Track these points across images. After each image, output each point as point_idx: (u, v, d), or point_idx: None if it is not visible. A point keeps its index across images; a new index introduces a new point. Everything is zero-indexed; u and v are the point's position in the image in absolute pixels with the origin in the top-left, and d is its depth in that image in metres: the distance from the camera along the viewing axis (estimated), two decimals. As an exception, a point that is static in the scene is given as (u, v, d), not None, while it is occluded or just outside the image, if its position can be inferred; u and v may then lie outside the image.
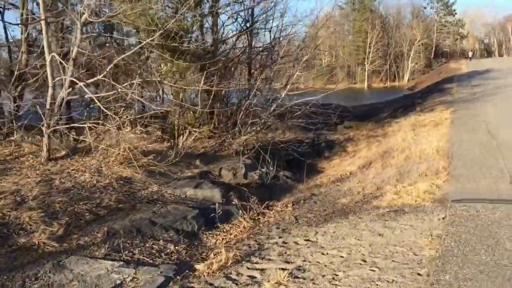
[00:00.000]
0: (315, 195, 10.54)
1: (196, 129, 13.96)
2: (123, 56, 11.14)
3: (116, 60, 10.56)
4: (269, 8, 22.89)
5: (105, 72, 10.29)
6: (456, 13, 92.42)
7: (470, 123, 15.46)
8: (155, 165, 10.29)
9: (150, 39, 10.14)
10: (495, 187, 8.33)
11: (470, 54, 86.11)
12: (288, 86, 21.32)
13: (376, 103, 42.16)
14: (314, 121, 21.02)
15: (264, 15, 23.61)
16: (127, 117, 11.12)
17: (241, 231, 8.05)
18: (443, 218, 6.77)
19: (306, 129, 23.21)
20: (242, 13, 21.00)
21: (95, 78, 10.36)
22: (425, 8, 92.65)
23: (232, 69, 19.85)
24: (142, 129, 12.71)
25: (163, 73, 12.26)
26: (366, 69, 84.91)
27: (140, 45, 11.60)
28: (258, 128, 17.27)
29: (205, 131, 14.42)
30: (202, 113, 15.08)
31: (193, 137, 13.76)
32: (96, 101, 10.12)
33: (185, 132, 14.06)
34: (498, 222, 6.30)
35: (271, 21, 23.82)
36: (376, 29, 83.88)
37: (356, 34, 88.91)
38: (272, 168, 11.68)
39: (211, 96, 14.98)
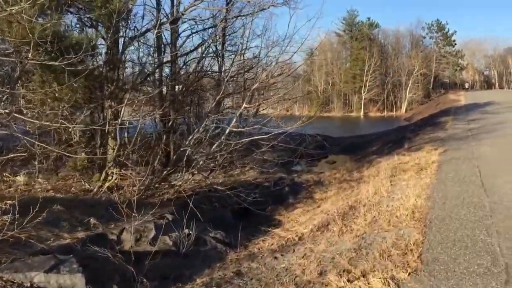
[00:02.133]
0: (240, 274, 7.68)
1: (116, 170, 11.20)
2: None
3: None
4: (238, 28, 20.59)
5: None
6: (455, 44, 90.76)
7: (460, 169, 12.71)
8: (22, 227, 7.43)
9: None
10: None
11: (467, 85, 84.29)
12: (252, 112, 18.85)
13: (368, 135, 39.51)
14: (284, 158, 18.41)
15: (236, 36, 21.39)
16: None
17: None
18: None
19: (283, 164, 20.56)
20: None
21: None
22: (424, 38, 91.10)
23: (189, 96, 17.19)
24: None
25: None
26: (363, 98, 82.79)
27: None
28: (204, 167, 14.55)
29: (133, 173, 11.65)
30: (135, 150, 12.37)
31: (114, 178, 10.99)
32: None
33: (108, 171, 11.29)
34: None
35: (244, 43, 21.50)
36: (374, 57, 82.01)
37: (353, 61, 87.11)
38: (190, 230, 8.86)
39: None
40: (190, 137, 12.26)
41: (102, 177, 10.78)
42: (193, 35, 17.67)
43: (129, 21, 13.37)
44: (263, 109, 21.77)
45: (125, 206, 10.42)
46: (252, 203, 13.13)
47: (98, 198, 10.62)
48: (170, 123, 16.22)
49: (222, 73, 21.31)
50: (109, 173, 11.19)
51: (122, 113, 13.30)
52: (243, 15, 19.46)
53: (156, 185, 11.88)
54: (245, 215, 12.52)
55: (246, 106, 20.66)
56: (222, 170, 17.44)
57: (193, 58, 18.46)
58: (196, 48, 17.89)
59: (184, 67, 18.18)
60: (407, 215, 8.82)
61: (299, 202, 13.98)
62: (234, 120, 12.93)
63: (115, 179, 10.94)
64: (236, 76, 22.09)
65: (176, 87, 16.75)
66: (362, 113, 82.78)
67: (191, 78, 18.25)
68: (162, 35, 16.71)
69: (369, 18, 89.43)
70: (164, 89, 16.76)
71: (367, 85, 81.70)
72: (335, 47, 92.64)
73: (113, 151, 13.84)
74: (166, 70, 17.57)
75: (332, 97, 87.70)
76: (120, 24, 12.98)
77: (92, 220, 8.67)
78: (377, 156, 21.68)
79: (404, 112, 79.98)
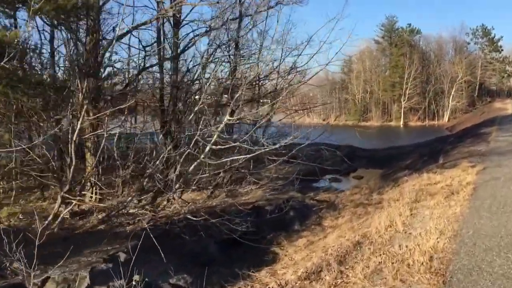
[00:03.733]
0: None
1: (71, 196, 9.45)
2: None
3: None
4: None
5: None
6: (502, 50, 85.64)
7: (500, 194, 10.33)
8: None
9: None
10: None
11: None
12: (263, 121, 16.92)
13: (404, 146, 36.64)
14: (299, 174, 16.35)
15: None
16: None
17: None
18: None
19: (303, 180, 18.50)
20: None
21: None
22: (468, 43, 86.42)
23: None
24: None
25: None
26: (403, 106, 79.13)
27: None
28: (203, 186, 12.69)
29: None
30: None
31: (73, 205, 9.24)
32: None
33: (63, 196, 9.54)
34: None
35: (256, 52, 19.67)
36: (415, 64, 78.35)
37: (392, 69, 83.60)
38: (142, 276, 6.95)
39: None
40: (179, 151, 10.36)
41: (58, 202, 9.08)
42: (198, 37, 15.81)
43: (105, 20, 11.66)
44: (283, 118, 19.86)
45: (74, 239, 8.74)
46: (247, 231, 11.19)
47: (50, 229, 8.90)
48: (171, 135, 14.47)
49: (233, 80, 19.56)
50: (73, 196, 9.45)
51: (106, 124, 11.69)
52: (259, 11, 17.70)
53: (131, 210, 10.05)
54: (237, 245, 10.53)
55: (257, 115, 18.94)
56: (227, 189, 15.56)
57: (197, 65, 16.70)
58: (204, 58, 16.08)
59: (188, 73, 16.46)
60: (422, 263, 6.62)
61: (306, 229, 11.91)
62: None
63: (73, 205, 9.19)
64: (251, 83, 20.29)
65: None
66: (401, 122, 79.06)
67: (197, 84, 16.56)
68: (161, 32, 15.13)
69: (409, 24, 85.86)
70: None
71: (407, 93, 77.99)
72: (374, 54, 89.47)
73: (91, 169, 12.21)
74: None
75: (370, 105, 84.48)
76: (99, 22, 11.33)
77: (15, 264, 6.90)
78: (408, 171, 19.27)
79: (446, 121, 75.79)
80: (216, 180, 15.44)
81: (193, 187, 12.25)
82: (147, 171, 10.00)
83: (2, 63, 6.59)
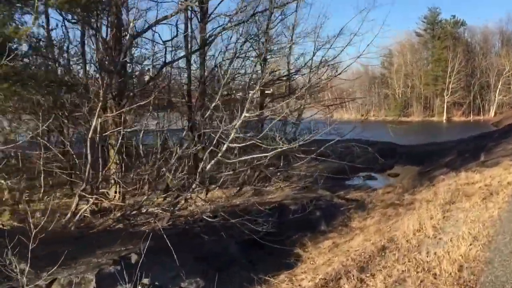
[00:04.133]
0: None
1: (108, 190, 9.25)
2: None
3: None
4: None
5: None
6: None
7: (545, 197, 9.49)
8: None
9: None
10: None
11: None
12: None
13: (445, 143, 35.17)
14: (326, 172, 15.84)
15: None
16: None
17: None
18: None
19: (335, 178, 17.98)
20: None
21: None
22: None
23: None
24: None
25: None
26: (445, 101, 76.45)
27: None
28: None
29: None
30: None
31: (89, 204, 9.05)
32: None
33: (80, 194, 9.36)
34: None
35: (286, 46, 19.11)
36: (458, 57, 75.42)
37: (435, 62, 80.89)
38: (152, 279, 6.64)
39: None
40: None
41: (75, 200, 8.90)
42: (225, 31, 15.39)
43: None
44: (315, 114, 19.29)
45: (91, 238, 8.55)
46: (270, 232, 10.79)
47: (67, 228, 8.74)
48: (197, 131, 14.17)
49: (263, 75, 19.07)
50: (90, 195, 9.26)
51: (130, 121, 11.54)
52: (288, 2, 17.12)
53: (151, 209, 9.79)
54: (259, 246, 10.11)
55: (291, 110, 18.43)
56: (253, 187, 15.19)
57: (225, 60, 16.32)
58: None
59: (216, 69, 16.09)
60: (450, 273, 6.03)
61: (332, 230, 11.37)
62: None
63: (89, 205, 8.98)
64: (282, 78, 19.81)
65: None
66: (444, 117, 76.46)
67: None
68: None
69: (454, 16, 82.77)
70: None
71: (451, 87, 75.32)
72: (415, 47, 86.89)
73: (116, 166, 12.06)
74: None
75: (411, 100, 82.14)
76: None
77: (22, 266, 6.71)
78: (446, 169, 18.36)
79: (492, 116, 72.74)
80: (242, 178, 15.13)
81: (218, 185, 11.93)
82: (172, 168, 9.68)
83: (4, 60, 6.38)
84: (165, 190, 12.16)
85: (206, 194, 13.64)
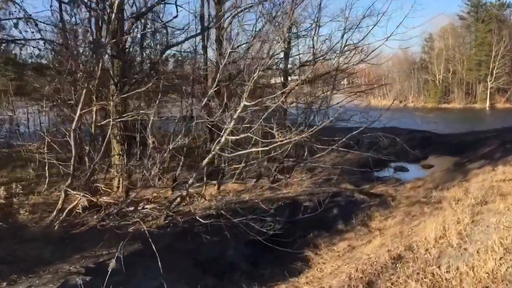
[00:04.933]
0: None
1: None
2: None
3: None
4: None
5: None
6: None
7: None
8: None
9: None
10: None
11: None
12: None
13: (485, 132, 33.10)
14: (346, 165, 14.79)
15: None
16: None
17: None
18: None
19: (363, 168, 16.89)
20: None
21: None
22: None
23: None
24: None
25: None
26: (489, 87, 72.86)
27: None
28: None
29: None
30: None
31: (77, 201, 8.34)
32: None
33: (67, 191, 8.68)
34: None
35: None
36: (504, 41, 71.56)
37: (478, 46, 77.07)
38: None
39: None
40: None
41: (61, 198, 8.23)
42: (244, 12, 14.39)
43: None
44: (342, 101, 18.10)
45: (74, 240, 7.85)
46: (280, 232, 9.91)
47: (51, 227, 8.07)
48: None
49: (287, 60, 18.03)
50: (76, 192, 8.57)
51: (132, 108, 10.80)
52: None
53: (147, 206, 9.05)
54: (266, 248, 9.20)
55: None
56: (270, 180, 14.27)
57: (244, 43, 15.33)
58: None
59: (233, 53, 15.13)
60: (472, 297, 4.97)
61: (350, 230, 10.34)
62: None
63: (77, 201, 8.27)
64: (307, 63, 18.66)
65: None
66: (487, 104, 72.87)
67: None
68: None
69: (500, -3, 78.47)
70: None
71: (494, 72, 71.61)
72: (458, 31, 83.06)
73: (119, 157, 11.38)
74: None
75: (452, 86, 78.77)
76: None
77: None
78: (485, 161, 16.88)
79: (540, 104, 68.99)
80: (257, 169, 14.25)
81: (225, 179, 11.11)
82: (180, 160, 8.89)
83: None
84: (173, 183, 11.47)
85: (219, 188, 12.85)
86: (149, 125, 10.74)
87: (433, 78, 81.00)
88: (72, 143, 7.79)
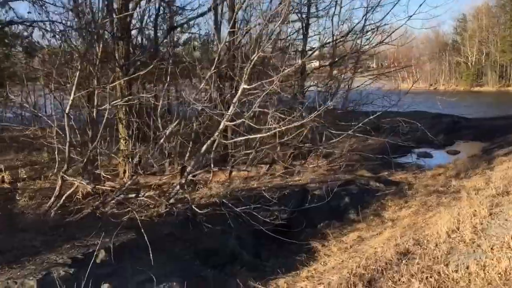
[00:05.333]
0: None
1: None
2: None
3: None
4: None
5: None
6: None
7: None
8: None
9: None
10: None
11: None
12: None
13: (519, 115, 31.70)
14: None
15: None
16: None
17: None
18: None
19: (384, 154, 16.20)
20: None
21: None
22: None
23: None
24: None
25: None
26: (524, 69, 70.17)
27: None
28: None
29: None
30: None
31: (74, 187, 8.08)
32: None
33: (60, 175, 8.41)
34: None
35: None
36: (541, 21, 68.58)
37: (514, 27, 74.09)
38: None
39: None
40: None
41: (58, 185, 7.98)
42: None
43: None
44: (362, 84, 17.39)
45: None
46: (288, 220, 9.52)
47: (47, 215, 7.85)
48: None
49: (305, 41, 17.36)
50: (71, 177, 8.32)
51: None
52: None
53: (147, 194, 8.76)
54: (272, 238, 8.80)
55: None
56: (283, 166, 13.82)
57: (258, 24, 14.71)
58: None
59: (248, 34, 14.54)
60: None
61: (362, 220, 9.83)
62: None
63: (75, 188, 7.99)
64: (327, 44, 17.97)
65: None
66: (523, 87, 70.38)
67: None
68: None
69: (538, -26, 74.97)
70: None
71: (531, 54, 68.93)
72: (492, 11, 79.88)
73: (125, 142, 11.12)
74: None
75: (485, 69, 76.12)
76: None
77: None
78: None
79: None
80: (272, 156, 13.80)
81: (233, 165, 10.71)
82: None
83: None
84: (182, 170, 11.12)
85: (230, 174, 12.49)
86: (159, 108, 10.37)
87: (465, 60, 78.48)
88: (66, 128, 7.51)
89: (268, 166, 13.55)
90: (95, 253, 6.31)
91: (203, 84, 8.28)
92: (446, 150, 21.04)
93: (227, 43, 13.89)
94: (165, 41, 11.87)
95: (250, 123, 7.61)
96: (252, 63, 7.29)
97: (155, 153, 9.78)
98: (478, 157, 15.96)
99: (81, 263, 6.01)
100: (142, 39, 12.60)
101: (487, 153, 16.78)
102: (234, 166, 12.52)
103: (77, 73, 7.31)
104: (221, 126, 7.67)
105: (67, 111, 7.41)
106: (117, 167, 11.18)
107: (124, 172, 10.96)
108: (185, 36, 15.62)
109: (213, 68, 7.71)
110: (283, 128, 7.60)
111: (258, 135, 8.45)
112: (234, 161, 11.82)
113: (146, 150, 10.15)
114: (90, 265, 5.46)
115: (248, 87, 7.55)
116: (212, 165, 9.96)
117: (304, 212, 9.78)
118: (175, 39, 13.42)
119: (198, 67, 10.14)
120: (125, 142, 10.97)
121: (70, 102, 7.42)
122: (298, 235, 9.35)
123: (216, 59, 7.59)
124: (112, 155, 9.77)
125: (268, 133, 7.84)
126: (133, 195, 8.64)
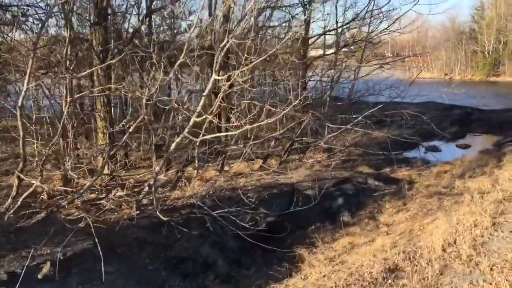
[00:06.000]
0: None
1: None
2: None
3: None
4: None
5: None
6: None
7: None
8: None
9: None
10: None
11: None
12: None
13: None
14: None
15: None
16: None
17: None
18: None
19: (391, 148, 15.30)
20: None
21: None
22: None
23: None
24: None
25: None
26: (544, 59, 67.94)
27: None
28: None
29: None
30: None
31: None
32: None
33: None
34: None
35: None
36: (562, 8, 66.24)
37: (533, 15, 71.71)
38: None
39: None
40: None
41: (15, 185, 7.27)
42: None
43: None
44: (369, 73, 16.47)
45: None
46: (273, 224, 8.74)
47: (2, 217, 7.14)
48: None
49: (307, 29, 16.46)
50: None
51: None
52: None
53: (119, 193, 8.02)
54: (252, 244, 8.01)
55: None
56: (278, 161, 13.05)
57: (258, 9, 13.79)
58: None
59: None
60: None
61: (356, 223, 9.03)
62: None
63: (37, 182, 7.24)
64: (330, 32, 17.04)
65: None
66: (542, 77, 68.17)
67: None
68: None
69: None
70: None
71: (550, 43, 66.68)
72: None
73: (103, 136, 10.37)
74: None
75: (503, 58, 73.94)
76: None
77: None
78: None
79: None
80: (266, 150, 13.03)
81: (221, 160, 9.94)
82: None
83: None
84: (166, 165, 10.38)
85: (221, 170, 11.71)
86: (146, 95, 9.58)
87: (482, 49, 76.31)
88: (19, 122, 6.78)
89: (262, 161, 12.76)
90: (41, 266, 5.60)
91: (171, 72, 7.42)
92: (456, 143, 19.97)
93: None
94: (143, 27, 11.07)
95: (214, 120, 6.75)
96: (224, 51, 6.46)
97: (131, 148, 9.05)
98: (489, 153, 14.95)
99: (18, 279, 5.29)
100: (120, 25, 11.77)
101: (499, 148, 15.76)
102: (226, 162, 11.80)
103: (30, 62, 6.55)
104: (190, 123, 6.87)
105: (19, 103, 6.68)
106: (91, 163, 10.44)
107: (102, 168, 10.22)
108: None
109: (181, 57, 6.86)
110: (254, 125, 6.78)
111: (230, 133, 7.63)
112: (224, 157, 11.09)
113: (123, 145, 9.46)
114: (28, 282, 4.75)
115: (220, 77, 6.74)
116: (196, 162, 9.18)
117: (294, 214, 8.97)
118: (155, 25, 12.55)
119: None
120: (103, 136, 10.22)
121: (22, 94, 6.68)
122: (286, 239, 8.58)
123: (186, 47, 6.74)
124: (84, 150, 9.01)
125: (239, 130, 7.01)
126: (102, 196, 7.89)
